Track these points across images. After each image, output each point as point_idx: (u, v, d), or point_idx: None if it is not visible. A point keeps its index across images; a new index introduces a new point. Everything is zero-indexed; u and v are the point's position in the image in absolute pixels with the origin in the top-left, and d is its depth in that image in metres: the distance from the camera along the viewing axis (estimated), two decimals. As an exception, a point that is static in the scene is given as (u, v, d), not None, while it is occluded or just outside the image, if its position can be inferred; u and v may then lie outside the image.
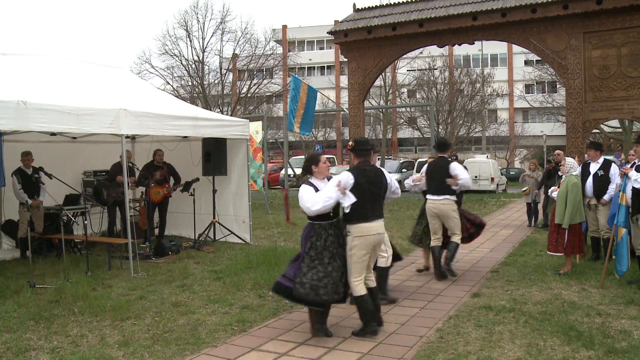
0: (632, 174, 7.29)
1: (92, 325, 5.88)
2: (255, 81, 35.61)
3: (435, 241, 8.08)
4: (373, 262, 5.99)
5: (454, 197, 7.94)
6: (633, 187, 7.28)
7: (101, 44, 74.85)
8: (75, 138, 11.01)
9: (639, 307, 6.31)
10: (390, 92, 39.59)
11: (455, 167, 7.93)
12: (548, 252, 8.47)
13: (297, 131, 10.86)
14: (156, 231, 11.23)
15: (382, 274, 6.66)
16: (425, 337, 5.48)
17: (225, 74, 35.77)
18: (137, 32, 77.32)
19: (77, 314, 6.23)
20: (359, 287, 5.46)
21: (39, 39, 73.50)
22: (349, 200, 5.38)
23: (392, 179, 6.05)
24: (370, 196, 5.52)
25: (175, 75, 35.28)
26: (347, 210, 5.43)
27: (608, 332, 5.47)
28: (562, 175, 8.36)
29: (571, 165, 8.20)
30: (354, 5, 14.27)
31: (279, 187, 28.97)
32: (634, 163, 7.91)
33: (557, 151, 12.06)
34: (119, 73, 11.50)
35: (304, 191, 5.43)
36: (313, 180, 5.58)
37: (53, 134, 9.66)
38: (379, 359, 4.92)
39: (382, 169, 6.01)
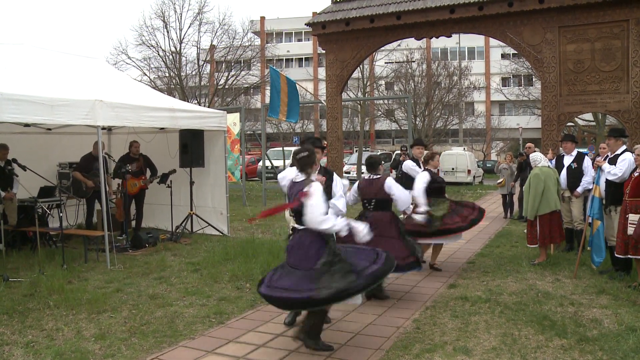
0: (606, 166, 7.43)
1: (67, 319, 5.82)
2: (232, 73, 35.38)
3: None
4: None
5: None
6: (606, 179, 7.42)
7: (76, 34, 73.69)
8: (50, 129, 10.84)
9: (610, 296, 6.45)
10: (368, 84, 39.64)
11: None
12: (527, 245, 8.62)
13: (283, 119, 10.86)
14: (133, 223, 11.14)
15: None
16: (402, 327, 5.53)
17: (203, 65, 35.48)
18: (114, 23, 76.22)
19: (52, 308, 6.16)
20: None
21: (10, 28, 71.99)
22: None
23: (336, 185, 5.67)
24: None
25: (152, 66, 34.86)
26: None
27: (580, 321, 5.59)
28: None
29: (534, 159, 8.40)
30: (332, -3, 14.23)
31: (257, 179, 28.88)
32: (607, 156, 8.05)
33: (528, 144, 12.30)
34: (95, 64, 11.34)
35: None
36: None
37: (27, 125, 9.50)
38: (356, 350, 4.96)
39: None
